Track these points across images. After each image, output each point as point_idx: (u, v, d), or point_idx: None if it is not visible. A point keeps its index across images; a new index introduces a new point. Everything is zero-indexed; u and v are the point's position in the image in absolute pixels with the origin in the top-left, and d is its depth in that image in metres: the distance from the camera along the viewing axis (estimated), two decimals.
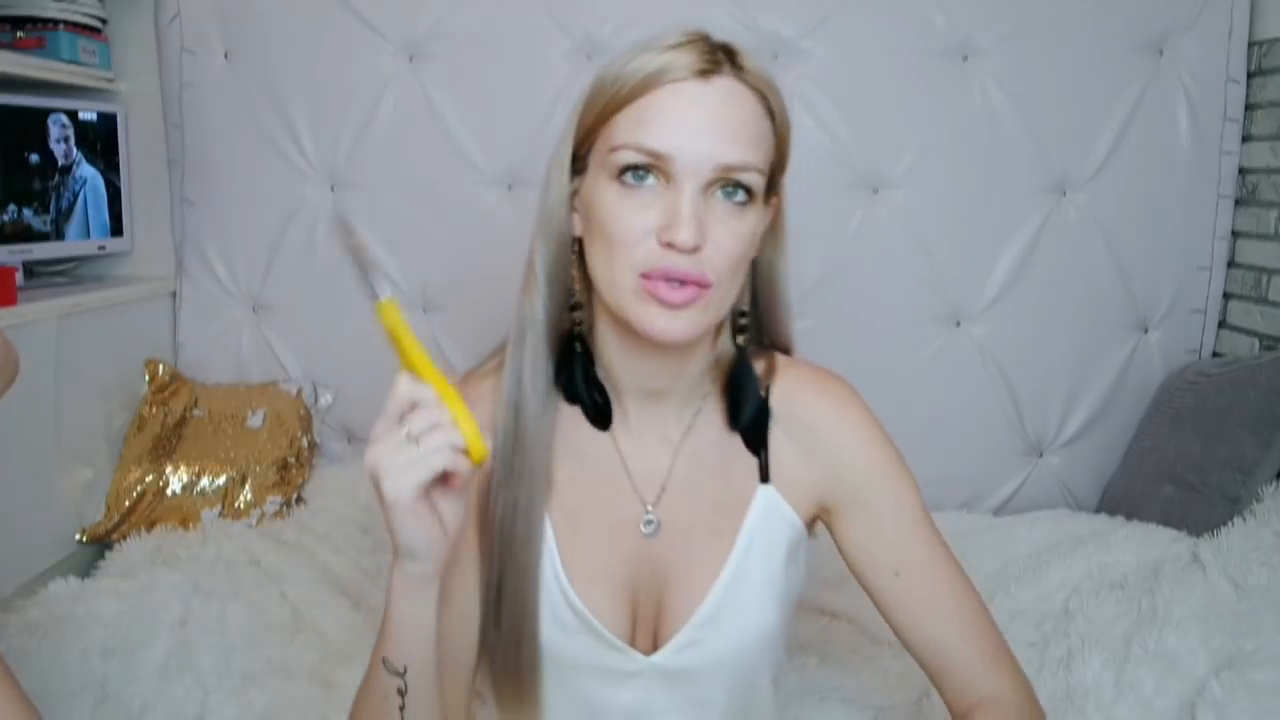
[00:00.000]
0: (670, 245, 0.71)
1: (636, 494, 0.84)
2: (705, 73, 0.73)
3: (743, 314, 0.85)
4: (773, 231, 0.85)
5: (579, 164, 0.78)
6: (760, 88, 0.76)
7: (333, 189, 1.91)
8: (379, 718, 0.76)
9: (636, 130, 0.73)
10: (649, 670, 0.83)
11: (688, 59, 0.73)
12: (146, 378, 1.87)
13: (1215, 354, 1.88)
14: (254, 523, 1.75)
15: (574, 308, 0.82)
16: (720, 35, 0.79)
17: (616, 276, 0.74)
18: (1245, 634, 1.21)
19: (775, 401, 0.85)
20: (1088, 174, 1.82)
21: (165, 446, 1.81)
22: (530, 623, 0.81)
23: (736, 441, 0.85)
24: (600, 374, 0.84)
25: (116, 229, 1.92)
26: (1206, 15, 1.77)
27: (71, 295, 1.71)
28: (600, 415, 0.83)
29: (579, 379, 0.82)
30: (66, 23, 1.75)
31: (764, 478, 0.84)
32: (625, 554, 0.83)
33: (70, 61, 1.76)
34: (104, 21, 1.86)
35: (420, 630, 0.72)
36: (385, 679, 0.74)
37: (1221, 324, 1.88)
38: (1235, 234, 1.85)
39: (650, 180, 0.73)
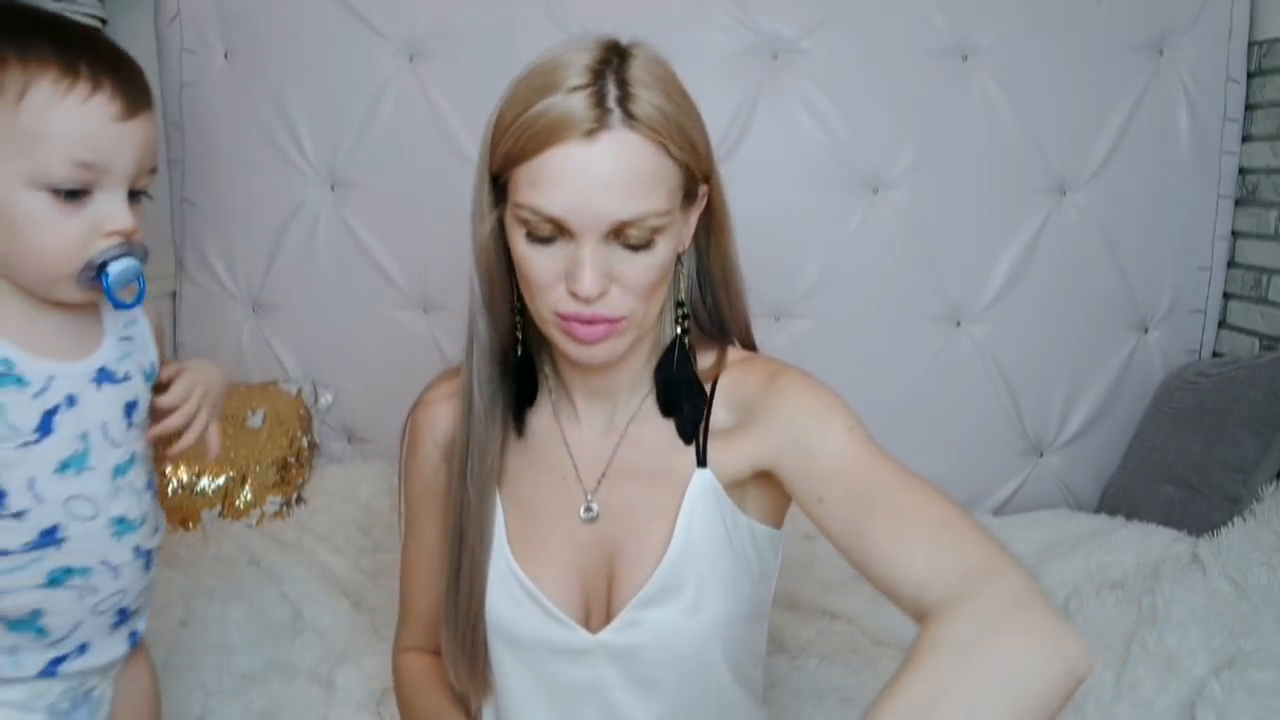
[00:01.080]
0: (574, 294, 0.76)
1: (580, 481, 0.89)
2: (592, 132, 0.73)
3: (680, 303, 0.87)
4: (713, 219, 0.87)
5: (500, 191, 0.81)
6: (653, 132, 0.74)
7: (333, 189, 1.92)
8: None
9: (532, 192, 0.75)
10: (597, 648, 0.86)
11: (578, 113, 0.72)
12: None
13: (1215, 354, 1.88)
14: (254, 523, 1.75)
15: (520, 310, 0.87)
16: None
17: (538, 310, 0.80)
18: (1245, 634, 1.21)
19: (721, 388, 0.88)
20: (1088, 174, 1.82)
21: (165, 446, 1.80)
22: (478, 603, 0.88)
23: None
24: (550, 372, 0.91)
25: None
26: (1206, 15, 1.77)
27: None
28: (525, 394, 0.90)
29: (523, 386, 0.90)
30: None
31: (701, 462, 0.86)
32: (571, 538, 0.88)
33: None
34: (104, 21, 1.86)
35: None
36: None
37: (1221, 324, 1.88)
38: (1235, 234, 1.85)
39: (554, 239, 0.76)
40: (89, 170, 0.67)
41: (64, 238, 0.68)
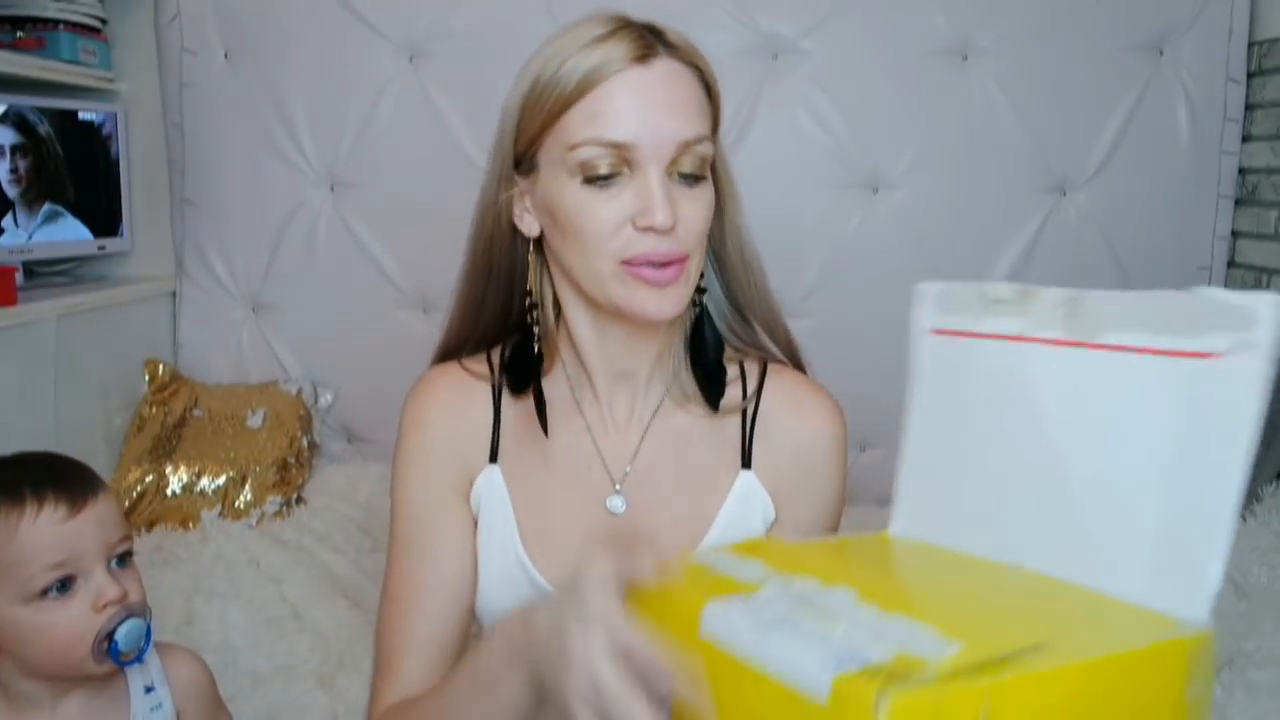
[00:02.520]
0: (649, 229, 0.73)
1: (606, 471, 0.85)
2: (644, 58, 0.74)
3: (700, 276, 0.84)
4: (720, 191, 0.84)
5: (524, 166, 0.80)
6: (694, 62, 0.78)
7: (333, 189, 1.92)
8: None
9: (591, 125, 0.73)
10: None
11: (624, 48, 0.74)
12: (146, 378, 1.87)
13: None
14: (254, 523, 1.75)
15: (530, 307, 0.84)
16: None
17: (597, 268, 0.75)
18: (1245, 634, 1.21)
19: (764, 402, 0.85)
20: (1088, 174, 1.82)
21: (165, 446, 1.81)
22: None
23: (712, 424, 0.85)
24: (570, 357, 0.86)
25: (116, 229, 1.92)
26: (1206, 15, 1.77)
27: (71, 295, 1.70)
28: (527, 372, 0.85)
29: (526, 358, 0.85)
30: (66, 23, 1.75)
31: (745, 463, 0.84)
32: (593, 530, 0.84)
33: (70, 61, 1.76)
34: (104, 21, 1.86)
35: None
36: None
37: None
38: (1235, 234, 1.85)
39: (613, 178, 0.74)
40: (62, 566, 0.76)
41: (69, 626, 0.76)
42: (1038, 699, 0.43)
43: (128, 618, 0.78)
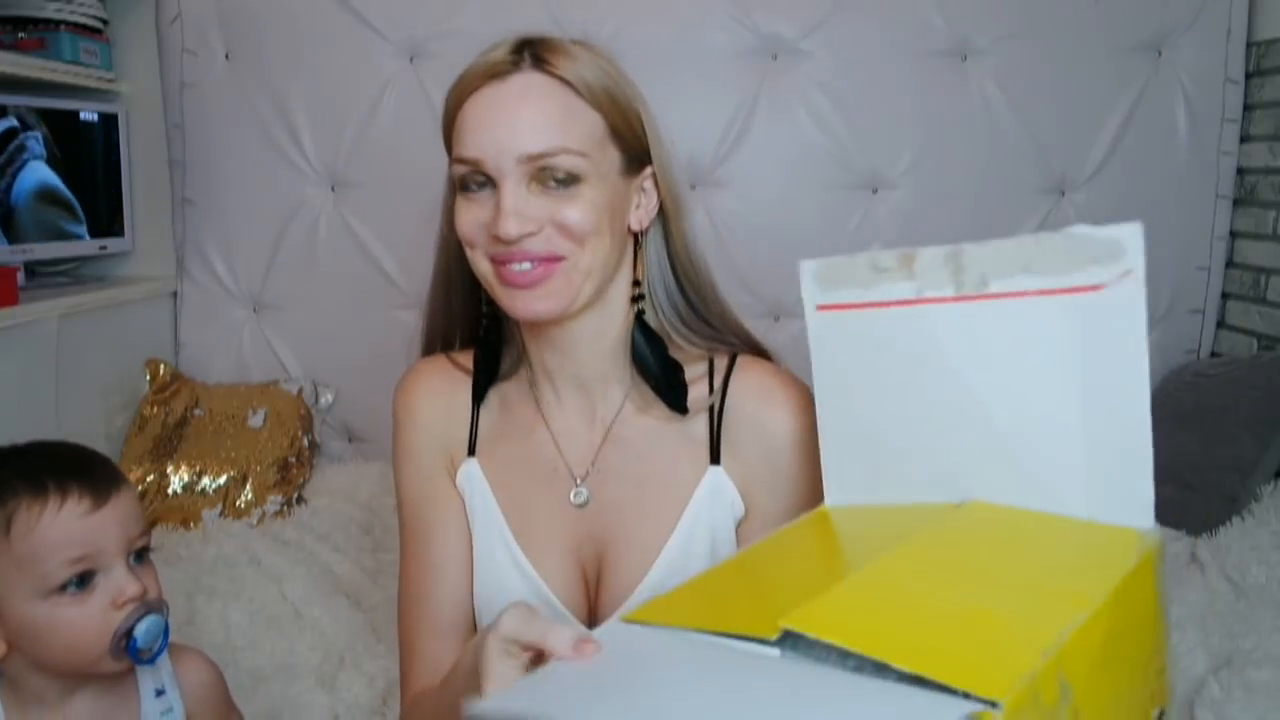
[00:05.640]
0: (497, 238, 0.76)
1: (569, 471, 0.87)
2: (500, 74, 0.77)
3: (637, 282, 0.85)
4: (665, 207, 0.84)
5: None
6: (564, 76, 0.77)
7: (333, 189, 1.92)
8: None
9: (458, 143, 0.78)
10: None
11: (489, 65, 0.78)
12: (147, 377, 1.88)
13: (1214, 354, 1.88)
14: (255, 522, 1.75)
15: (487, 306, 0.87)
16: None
17: (481, 270, 0.80)
18: (1243, 633, 1.21)
19: (731, 396, 0.85)
20: (1087, 174, 1.82)
21: (166, 446, 1.81)
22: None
23: (679, 423, 0.84)
24: (529, 362, 0.88)
25: (118, 229, 1.92)
26: (1205, 16, 1.77)
27: (72, 295, 1.71)
28: (488, 373, 0.88)
29: (485, 359, 0.88)
30: (67, 24, 1.75)
31: (714, 459, 0.84)
32: (566, 528, 0.86)
33: (71, 62, 1.77)
34: (105, 22, 1.87)
35: None
36: None
37: (1220, 324, 1.88)
38: (1234, 234, 1.85)
39: (484, 188, 0.77)
40: (83, 561, 0.74)
41: (86, 623, 0.75)
42: (1090, 652, 0.44)
43: (147, 614, 0.76)
